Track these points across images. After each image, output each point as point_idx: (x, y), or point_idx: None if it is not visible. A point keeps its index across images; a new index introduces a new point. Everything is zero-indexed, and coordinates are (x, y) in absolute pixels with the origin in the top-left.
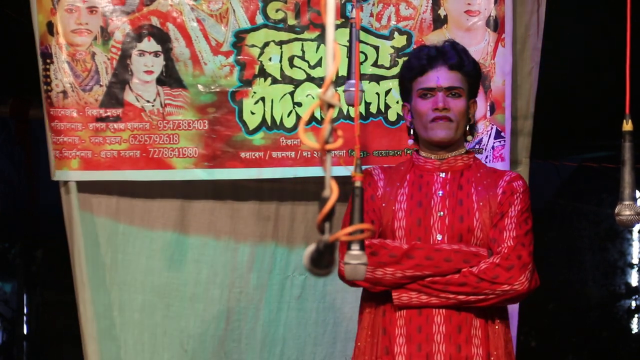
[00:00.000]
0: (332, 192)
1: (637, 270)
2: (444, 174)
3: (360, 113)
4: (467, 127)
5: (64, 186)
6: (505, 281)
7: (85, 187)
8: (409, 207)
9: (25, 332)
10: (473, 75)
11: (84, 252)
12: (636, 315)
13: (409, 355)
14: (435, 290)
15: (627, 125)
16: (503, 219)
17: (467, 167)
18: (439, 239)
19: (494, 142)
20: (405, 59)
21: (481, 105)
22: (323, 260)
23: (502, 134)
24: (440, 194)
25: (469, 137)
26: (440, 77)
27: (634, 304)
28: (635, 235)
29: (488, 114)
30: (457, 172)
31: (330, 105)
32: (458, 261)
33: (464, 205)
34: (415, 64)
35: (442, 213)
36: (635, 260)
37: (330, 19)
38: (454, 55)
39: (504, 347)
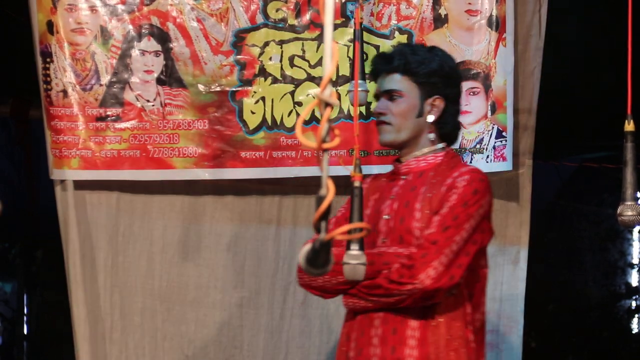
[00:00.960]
0: (328, 191)
1: (638, 271)
2: (405, 176)
3: (362, 113)
4: (431, 126)
5: (60, 185)
6: (408, 280)
7: (83, 186)
8: (371, 213)
9: (25, 332)
10: (423, 74)
11: (79, 253)
12: (636, 315)
13: (347, 358)
14: (364, 294)
15: (629, 126)
16: (436, 215)
17: (431, 167)
18: (383, 241)
19: (495, 142)
20: None
21: (482, 105)
22: (319, 260)
23: (504, 133)
24: (392, 198)
25: (431, 135)
26: (382, 82)
27: (634, 304)
28: (635, 235)
29: (489, 113)
30: (417, 173)
31: (328, 105)
32: (379, 264)
33: (408, 206)
34: (370, 74)
35: (387, 216)
36: (635, 261)
37: (328, 18)
38: (395, 58)
39: (445, 346)
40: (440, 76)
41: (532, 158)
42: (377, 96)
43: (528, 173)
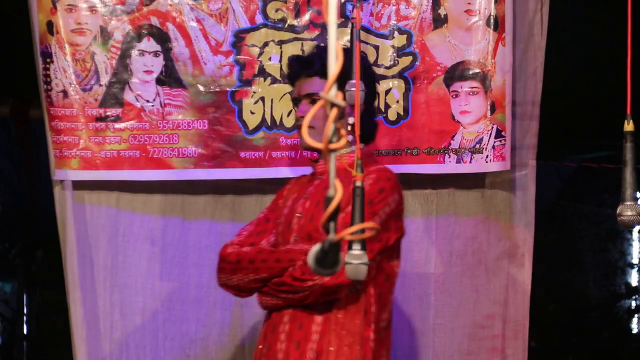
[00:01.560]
0: (336, 191)
1: (638, 271)
2: (321, 175)
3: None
4: (348, 127)
5: (59, 185)
6: (309, 277)
7: (83, 186)
8: (288, 213)
9: (25, 332)
10: (342, 76)
11: (78, 253)
12: (636, 316)
13: (261, 355)
14: (273, 291)
15: (629, 126)
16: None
17: (344, 166)
18: (294, 240)
19: (494, 142)
20: None
21: (482, 105)
22: (327, 260)
23: (503, 133)
24: (305, 197)
25: (350, 137)
26: (301, 85)
27: (634, 304)
28: (635, 235)
29: (488, 113)
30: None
31: (334, 105)
32: (285, 261)
33: (319, 205)
34: (287, 76)
35: (300, 215)
36: (635, 261)
37: (332, 18)
38: (312, 61)
39: (347, 337)
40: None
41: (535, 158)
42: (297, 100)
43: (532, 174)
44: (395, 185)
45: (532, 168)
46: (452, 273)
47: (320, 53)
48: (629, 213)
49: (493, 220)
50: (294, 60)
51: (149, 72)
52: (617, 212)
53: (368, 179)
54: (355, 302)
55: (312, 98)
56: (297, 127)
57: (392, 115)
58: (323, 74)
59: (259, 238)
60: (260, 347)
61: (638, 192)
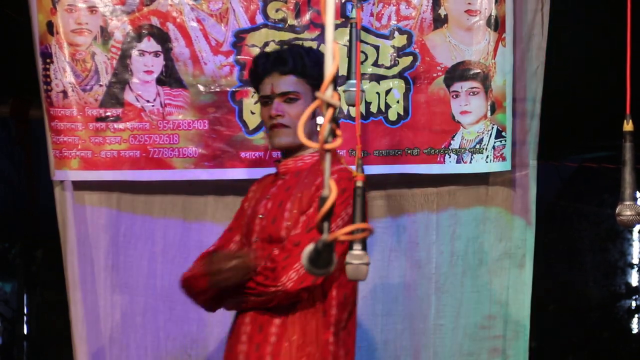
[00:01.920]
0: (331, 191)
1: (638, 271)
2: (284, 176)
3: (361, 113)
4: (318, 127)
5: (59, 185)
6: (271, 283)
7: (83, 187)
8: (251, 213)
9: (25, 332)
10: (314, 76)
11: (78, 253)
12: (636, 316)
13: (225, 357)
14: (241, 293)
15: (628, 126)
16: (299, 218)
17: (307, 166)
18: (255, 240)
19: (494, 142)
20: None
21: (482, 105)
22: (321, 260)
23: (503, 133)
24: (267, 197)
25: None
26: (274, 83)
27: (634, 304)
28: (635, 235)
29: (488, 113)
30: (293, 173)
31: (330, 105)
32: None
33: (281, 207)
34: (253, 72)
35: (261, 216)
36: (635, 261)
37: (329, 19)
38: (289, 59)
39: (298, 348)
40: (322, 78)
41: (536, 159)
42: (268, 98)
43: (533, 174)
44: None
45: (533, 168)
46: (453, 273)
47: (292, 52)
48: (628, 213)
49: (494, 220)
50: (265, 57)
51: (149, 72)
52: (617, 211)
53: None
54: (313, 304)
55: (288, 97)
56: (272, 126)
57: (392, 115)
58: (298, 73)
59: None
60: (225, 350)
61: (637, 192)
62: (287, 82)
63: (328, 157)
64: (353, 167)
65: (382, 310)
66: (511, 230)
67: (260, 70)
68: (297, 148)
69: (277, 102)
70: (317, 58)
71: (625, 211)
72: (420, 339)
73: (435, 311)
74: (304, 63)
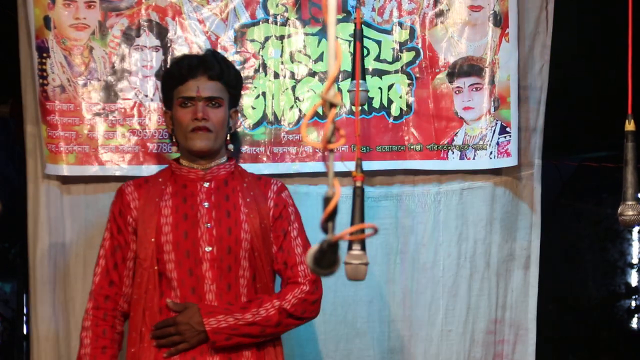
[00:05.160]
0: (335, 191)
1: (637, 270)
2: (207, 183)
3: (364, 108)
4: (228, 136)
5: (55, 180)
6: (310, 314)
7: (80, 181)
8: (175, 221)
9: (25, 332)
10: (234, 86)
11: (74, 251)
12: (636, 315)
13: None
14: (269, 333)
15: (629, 125)
16: (288, 240)
17: (230, 175)
18: (208, 250)
19: (498, 138)
20: (168, 66)
21: (485, 101)
22: (326, 260)
23: (508, 129)
24: (207, 206)
25: (230, 146)
26: (200, 86)
27: (634, 303)
28: (635, 235)
29: (492, 109)
30: (221, 181)
31: (332, 105)
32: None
33: (231, 216)
34: (176, 72)
35: (209, 225)
36: (635, 260)
37: (331, 18)
38: (215, 65)
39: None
40: (240, 89)
41: (541, 157)
42: (191, 99)
43: (538, 173)
44: None
45: (538, 167)
46: (461, 276)
47: (217, 58)
48: (630, 213)
49: (501, 220)
50: (190, 59)
51: (147, 67)
52: (618, 211)
53: (285, 196)
54: None
55: (213, 101)
56: (197, 128)
57: (395, 110)
58: (222, 80)
59: (111, 282)
60: None
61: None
62: (213, 88)
63: (332, 157)
64: (353, 163)
65: (388, 316)
66: (516, 230)
67: (185, 71)
68: (214, 153)
69: (202, 106)
70: (234, 68)
71: (627, 211)
72: (428, 344)
73: (443, 315)
74: (229, 71)
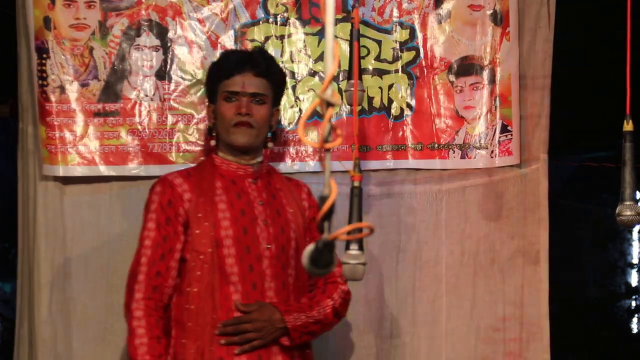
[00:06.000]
0: (331, 190)
1: (637, 271)
2: (255, 180)
3: (363, 107)
4: (269, 134)
5: (54, 181)
6: (345, 314)
7: (79, 181)
8: (233, 216)
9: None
10: (278, 84)
11: (74, 251)
12: (636, 315)
13: None
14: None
15: (628, 126)
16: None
17: (268, 173)
18: (268, 247)
19: (500, 137)
20: (215, 60)
21: (486, 100)
22: (322, 259)
23: (509, 127)
24: (261, 203)
25: (270, 144)
26: (246, 82)
27: (634, 304)
28: (635, 235)
29: (493, 108)
30: (266, 179)
31: (330, 104)
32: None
33: (281, 215)
34: (224, 66)
35: (266, 222)
36: (635, 260)
37: (329, 18)
38: (262, 62)
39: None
40: (284, 88)
41: (547, 152)
42: (236, 94)
43: (544, 168)
44: None
45: (544, 162)
46: (464, 274)
47: (264, 56)
48: (628, 213)
49: (505, 217)
50: (238, 54)
51: (148, 66)
52: (617, 211)
53: (314, 197)
54: None
55: (257, 98)
56: (239, 123)
57: (395, 110)
58: (268, 77)
59: (162, 267)
60: None
61: (638, 192)
62: (259, 84)
63: (328, 157)
64: (345, 163)
65: (390, 314)
66: (524, 226)
67: (232, 66)
68: (254, 149)
69: (247, 101)
70: (279, 67)
71: (626, 211)
72: (432, 344)
73: (446, 314)
74: (275, 70)
